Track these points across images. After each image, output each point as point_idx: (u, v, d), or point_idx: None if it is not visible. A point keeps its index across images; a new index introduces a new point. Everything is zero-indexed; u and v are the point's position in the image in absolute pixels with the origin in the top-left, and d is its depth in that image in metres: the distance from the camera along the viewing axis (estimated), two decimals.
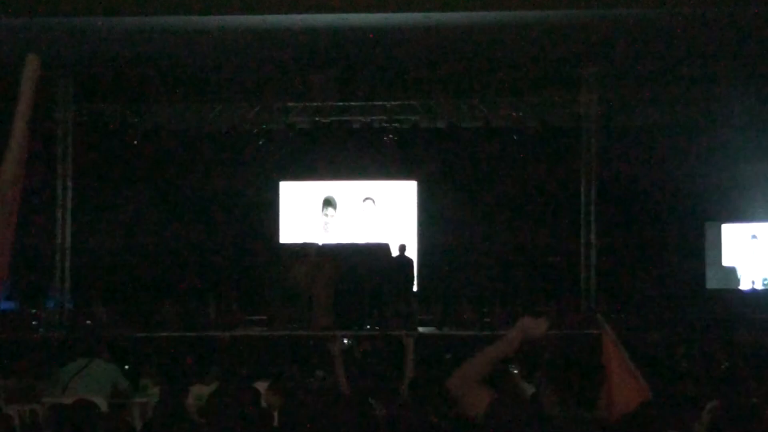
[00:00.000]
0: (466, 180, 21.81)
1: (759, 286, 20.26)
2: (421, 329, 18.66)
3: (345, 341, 13.59)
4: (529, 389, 7.71)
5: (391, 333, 15.89)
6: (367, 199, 21.96)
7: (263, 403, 7.48)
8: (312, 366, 10.66)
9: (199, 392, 8.62)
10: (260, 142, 20.53)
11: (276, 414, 7.26)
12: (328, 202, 21.96)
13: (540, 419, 4.16)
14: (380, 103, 19.71)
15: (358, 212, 21.92)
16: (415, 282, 20.16)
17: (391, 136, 20.37)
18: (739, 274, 20.58)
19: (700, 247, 21.10)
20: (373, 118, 20.09)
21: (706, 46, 16.41)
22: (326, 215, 21.92)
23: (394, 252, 19.48)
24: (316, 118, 20.06)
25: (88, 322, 18.80)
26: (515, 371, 9.33)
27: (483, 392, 4.23)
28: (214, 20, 15.09)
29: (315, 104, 19.80)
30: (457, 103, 19.65)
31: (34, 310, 19.22)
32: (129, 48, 16.58)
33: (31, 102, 4.45)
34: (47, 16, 14.80)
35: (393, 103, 19.69)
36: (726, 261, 20.88)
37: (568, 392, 4.14)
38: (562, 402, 4.15)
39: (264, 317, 19.28)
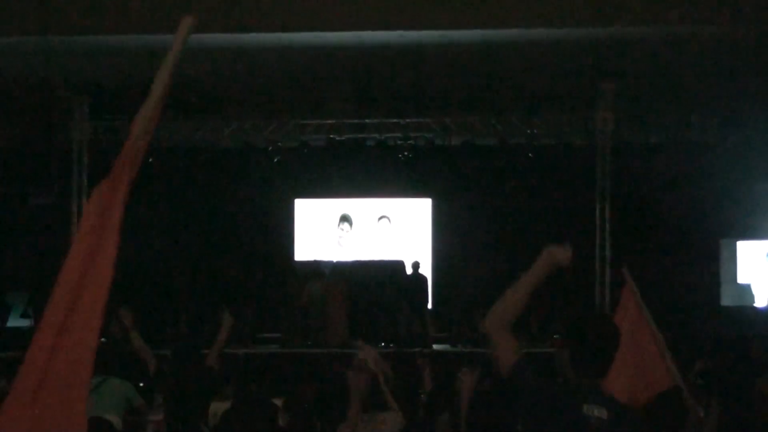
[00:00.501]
0: (481, 197, 21.80)
1: None
2: (435, 347, 18.63)
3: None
4: None
5: (405, 351, 15.85)
6: (382, 217, 21.98)
7: (280, 421, 7.46)
8: (326, 384, 10.61)
9: (213, 409, 8.60)
10: (275, 160, 20.53)
11: None
12: (345, 218, 21.99)
13: (561, 381, 4.21)
14: (395, 120, 19.70)
15: (373, 230, 21.93)
16: (430, 299, 20.15)
17: (405, 153, 20.33)
18: (754, 291, 20.51)
19: (715, 265, 21.06)
20: (388, 135, 20.06)
21: (722, 64, 16.37)
22: (341, 230, 21.95)
23: (408, 269, 19.48)
24: (331, 136, 20.05)
25: (103, 339, 18.80)
26: None
27: (512, 341, 4.27)
28: (227, 38, 15.10)
29: (330, 122, 19.79)
30: (472, 120, 19.61)
31: None
32: (144, 66, 16.59)
33: (177, 59, 4.40)
34: (63, 35, 14.85)
35: (408, 120, 19.68)
36: (741, 278, 20.83)
37: (582, 358, 4.17)
38: (576, 367, 4.18)
39: (278, 334, 19.29)
